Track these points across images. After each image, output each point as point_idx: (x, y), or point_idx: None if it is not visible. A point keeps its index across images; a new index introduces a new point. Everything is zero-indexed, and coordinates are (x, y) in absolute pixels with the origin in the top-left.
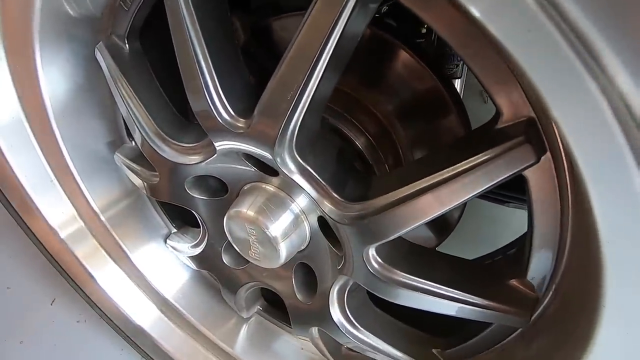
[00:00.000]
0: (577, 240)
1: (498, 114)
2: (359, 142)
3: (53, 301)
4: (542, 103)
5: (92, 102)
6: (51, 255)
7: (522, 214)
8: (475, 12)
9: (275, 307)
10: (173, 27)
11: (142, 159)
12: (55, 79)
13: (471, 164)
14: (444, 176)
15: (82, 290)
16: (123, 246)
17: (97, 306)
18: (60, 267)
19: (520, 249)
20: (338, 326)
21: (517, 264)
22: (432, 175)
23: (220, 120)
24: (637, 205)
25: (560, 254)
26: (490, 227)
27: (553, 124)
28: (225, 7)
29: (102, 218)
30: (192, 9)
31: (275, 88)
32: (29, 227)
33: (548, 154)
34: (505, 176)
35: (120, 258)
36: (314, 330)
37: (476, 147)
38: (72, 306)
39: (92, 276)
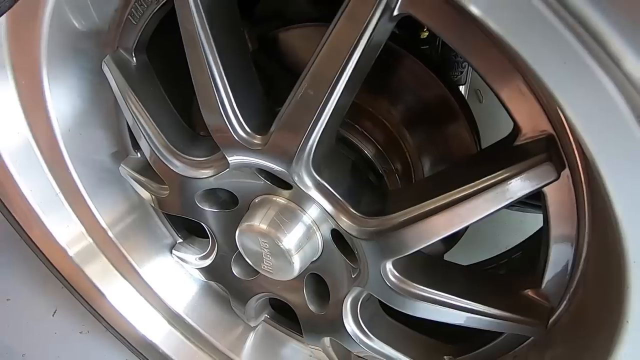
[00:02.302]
0: (594, 255)
1: (517, 130)
2: (369, 152)
3: (54, 312)
4: (566, 117)
5: (96, 114)
6: (60, 273)
7: (522, 216)
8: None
9: (282, 314)
10: (187, 43)
11: (149, 170)
12: (61, 93)
13: (491, 182)
14: (464, 193)
15: (92, 307)
16: (132, 261)
17: (107, 322)
18: (70, 284)
19: (529, 256)
20: (352, 337)
21: (531, 274)
22: (452, 192)
23: (236, 137)
24: None
25: (575, 267)
26: (490, 228)
27: (572, 140)
28: (238, 21)
29: (110, 234)
30: (207, 25)
31: (296, 105)
32: (36, 245)
33: (567, 169)
34: (526, 193)
35: (130, 273)
36: (326, 341)
37: (495, 163)
38: (74, 317)
39: (102, 293)
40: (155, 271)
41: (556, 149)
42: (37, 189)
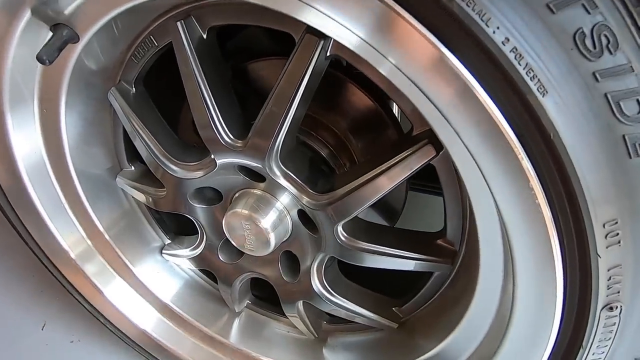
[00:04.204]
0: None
1: (412, 126)
2: (324, 153)
3: (44, 326)
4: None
5: (97, 134)
6: (62, 274)
7: None
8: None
9: (262, 300)
10: (184, 77)
11: (144, 179)
12: (72, 118)
13: (396, 160)
14: (379, 170)
15: (90, 304)
16: (126, 261)
17: (103, 316)
18: (70, 284)
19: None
20: (319, 295)
21: (442, 229)
22: (372, 171)
23: (223, 142)
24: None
25: (464, 221)
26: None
27: None
28: (220, 58)
29: (107, 237)
30: (198, 63)
31: (266, 117)
32: (41, 249)
33: (445, 149)
34: (418, 166)
35: (124, 272)
36: (300, 305)
37: (399, 148)
38: (64, 328)
39: (100, 291)
40: (147, 268)
41: (435, 136)
42: (46, 199)
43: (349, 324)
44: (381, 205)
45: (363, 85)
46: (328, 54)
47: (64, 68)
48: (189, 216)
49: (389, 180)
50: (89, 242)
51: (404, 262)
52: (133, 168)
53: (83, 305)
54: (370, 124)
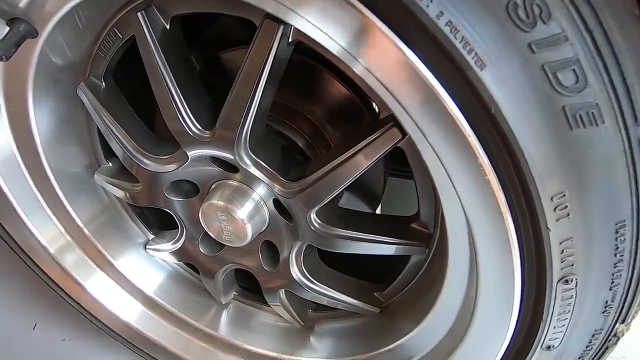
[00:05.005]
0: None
1: (379, 110)
2: (300, 143)
3: (35, 326)
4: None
5: (71, 132)
6: (42, 271)
7: None
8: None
9: (248, 291)
10: (148, 69)
11: (121, 174)
12: (43, 115)
13: (363, 145)
14: (347, 156)
15: (73, 299)
16: (107, 255)
17: (87, 311)
18: (52, 280)
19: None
20: (299, 284)
21: (416, 213)
22: (340, 156)
23: (192, 134)
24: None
25: (436, 203)
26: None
27: None
28: (185, 49)
29: (86, 231)
30: (162, 55)
31: (231, 105)
32: (21, 248)
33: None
34: (386, 149)
35: (106, 266)
36: (282, 294)
37: (366, 133)
38: (55, 327)
39: (81, 285)
40: (129, 262)
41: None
42: (21, 196)
43: (334, 311)
44: (360, 191)
45: (334, 70)
46: (290, 39)
47: (27, 64)
48: (167, 210)
49: (357, 165)
50: (68, 237)
51: (380, 247)
52: (110, 164)
53: (66, 302)
54: (342, 110)
